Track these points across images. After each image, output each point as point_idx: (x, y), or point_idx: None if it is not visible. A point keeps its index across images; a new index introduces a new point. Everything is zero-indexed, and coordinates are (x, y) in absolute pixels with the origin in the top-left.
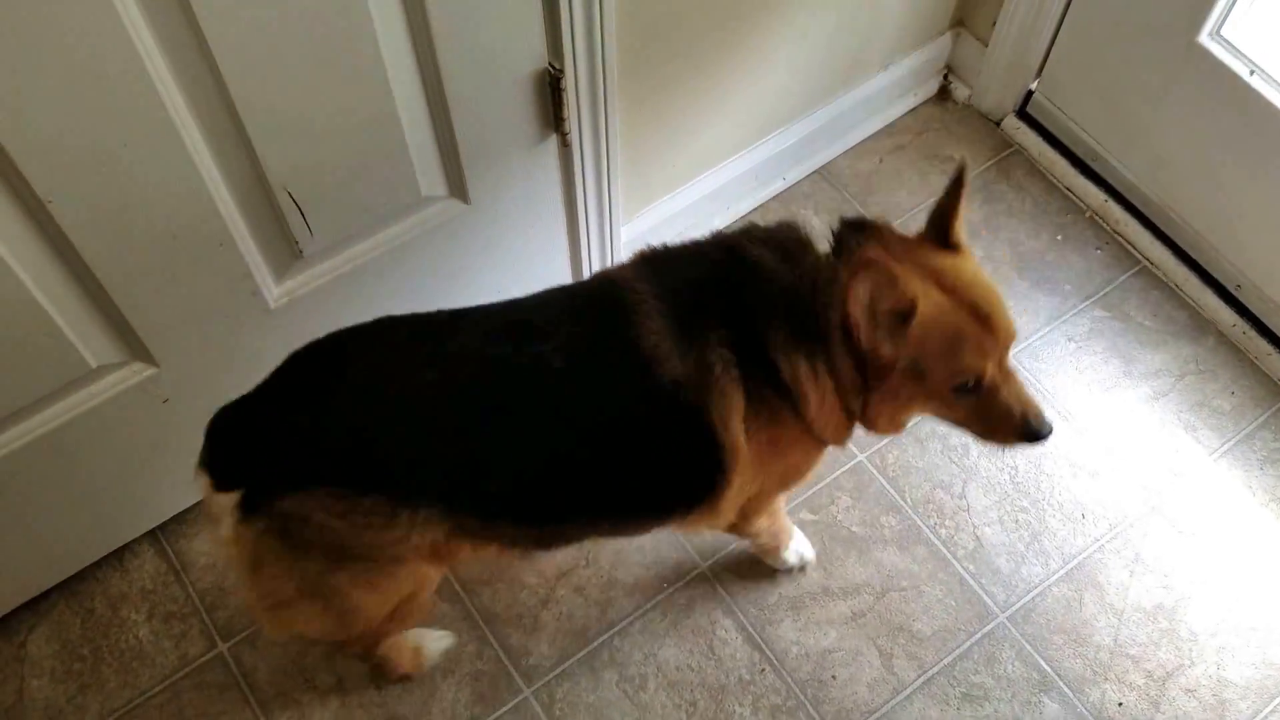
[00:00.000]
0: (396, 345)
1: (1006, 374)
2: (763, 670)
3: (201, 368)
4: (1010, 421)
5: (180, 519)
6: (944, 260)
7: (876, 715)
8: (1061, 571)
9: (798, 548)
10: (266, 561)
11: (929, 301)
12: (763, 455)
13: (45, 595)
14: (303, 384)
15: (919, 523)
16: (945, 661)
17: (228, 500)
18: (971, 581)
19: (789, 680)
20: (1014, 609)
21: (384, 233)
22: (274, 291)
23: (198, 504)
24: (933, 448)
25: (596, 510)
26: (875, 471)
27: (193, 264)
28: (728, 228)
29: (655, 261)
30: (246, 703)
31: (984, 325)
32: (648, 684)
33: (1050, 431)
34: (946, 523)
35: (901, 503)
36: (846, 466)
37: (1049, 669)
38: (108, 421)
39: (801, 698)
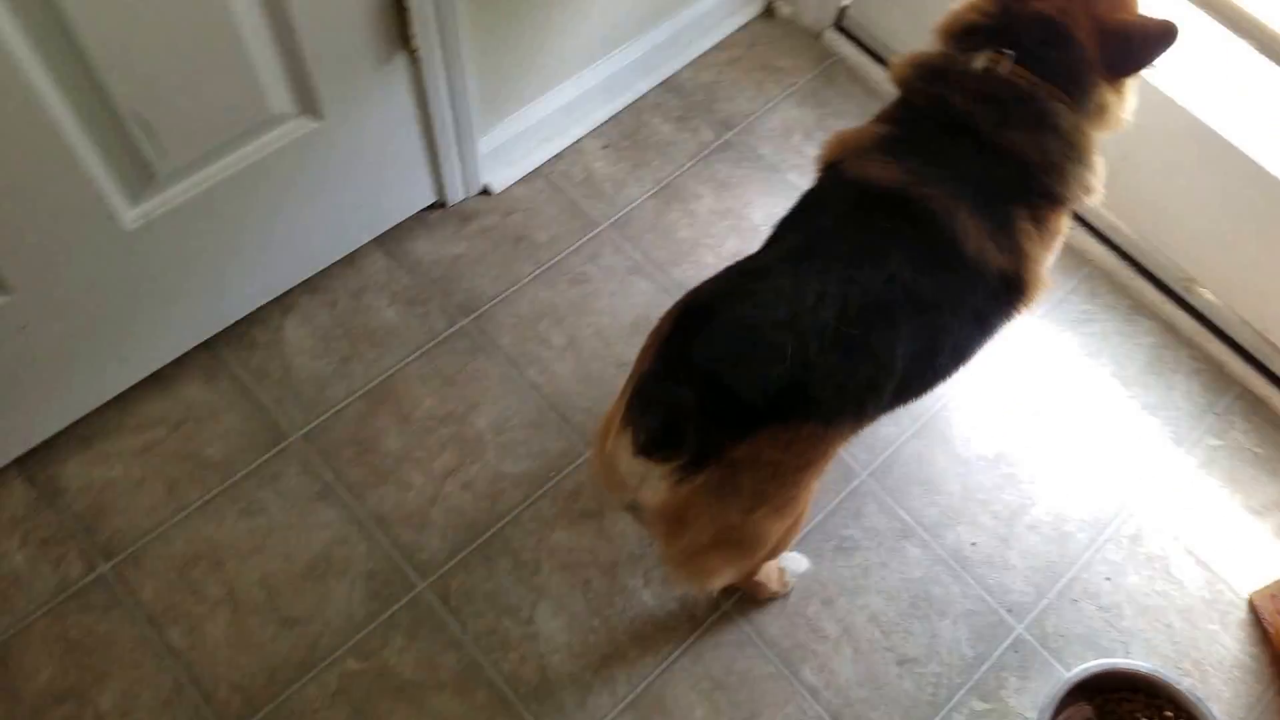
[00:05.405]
0: (771, 293)
1: None
2: (651, 543)
3: (61, 293)
4: None
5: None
6: None
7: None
8: (912, 430)
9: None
10: (692, 515)
11: None
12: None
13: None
14: (703, 345)
15: None
16: (818, 519)
17: (659, 466)
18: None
19: None
20: (874, 466)
21: (237, 152)
22: (129, 214)
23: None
24: None
25: (949, 372)
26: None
27: (41, 190)
28: (588, 135)
29: (912, 152)
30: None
31: None
32: (541, 567)
33: None
34: None
35: None
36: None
37: (908, 518)
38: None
39: None
